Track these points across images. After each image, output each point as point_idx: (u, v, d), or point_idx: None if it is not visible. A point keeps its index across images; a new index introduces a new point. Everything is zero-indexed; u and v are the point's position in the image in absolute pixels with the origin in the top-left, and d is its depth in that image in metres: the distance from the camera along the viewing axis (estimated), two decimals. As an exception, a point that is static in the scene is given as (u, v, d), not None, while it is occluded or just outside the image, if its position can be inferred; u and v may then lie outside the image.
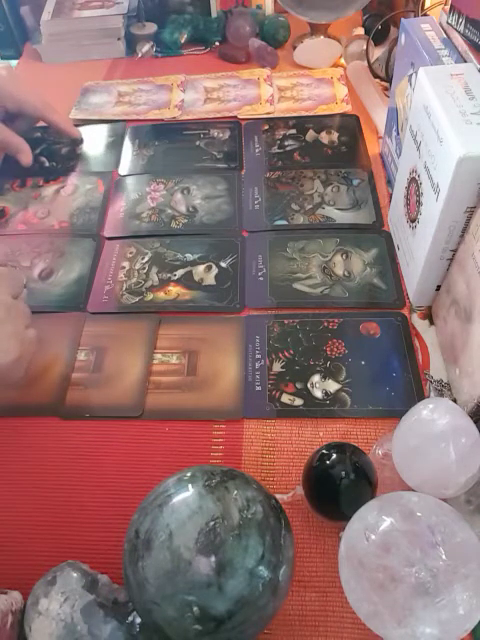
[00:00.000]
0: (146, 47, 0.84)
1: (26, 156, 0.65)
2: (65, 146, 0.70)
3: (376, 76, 0.74)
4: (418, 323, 0.51)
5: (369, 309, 0.52)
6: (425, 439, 0.35)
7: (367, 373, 0.47)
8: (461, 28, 0.49)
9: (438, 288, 0.49)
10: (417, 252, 0.48)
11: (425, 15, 0.61)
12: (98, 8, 0.84)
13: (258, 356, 0.48)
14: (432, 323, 0.50)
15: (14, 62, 0.86)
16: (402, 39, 0.55)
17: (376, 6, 0.82)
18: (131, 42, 0.85)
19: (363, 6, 0.76)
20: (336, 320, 0.50)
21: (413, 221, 0.49)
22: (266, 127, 0.71)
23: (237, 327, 0.50)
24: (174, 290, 0.54)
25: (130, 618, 0.32)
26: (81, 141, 0.71)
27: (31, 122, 0.69)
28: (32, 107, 0.66)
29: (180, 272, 0.55)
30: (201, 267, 0.56)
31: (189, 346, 0.49)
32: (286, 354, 0.48)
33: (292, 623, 0.36)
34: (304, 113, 0.72)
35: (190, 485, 0.31)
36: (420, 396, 0.45)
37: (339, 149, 0.67)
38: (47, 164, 0.68)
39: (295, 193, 0.62)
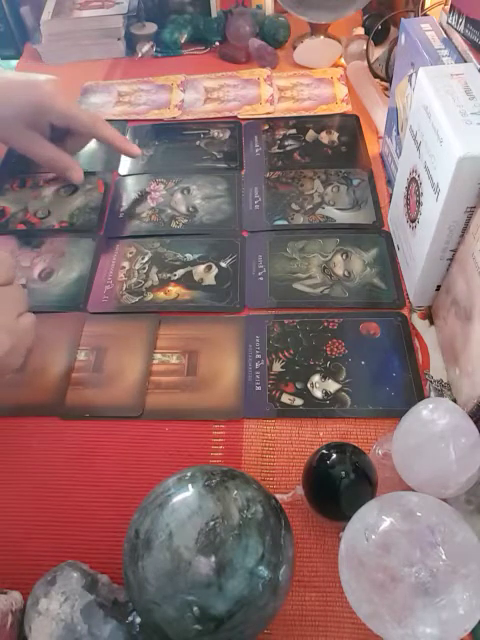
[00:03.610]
0: (146, 47, 0.84)
1: (77, 173, 0.61)
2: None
3: (376, 76, 0.74)
4: (418, 323, 0.51)
5: (369, 309, 0.51)
6: (425, 439, 0.35)
7: (367, 373, 0.47)
8: (461, 28, 0.49)
9: (438, 288, 0.49)
10: (417, 252, 0.48)
11: (425, 15, 0.61)
12: (98, 8, 0.84)
13: (258, 356, 0.48)
14: (432, 323, 0.50)
15: (14, 62, 0.86)
16: (402, 39, 0.55)
17: (376, 6, 0.82)
18: (131, 42, 0.85)
19: (363, 6, 0.76)
20: (336, 320, 0.50)
21: (413, 221, 0.49)
22: (266, 127, 0.71)
23: (237, 327, 0.50)
24: (174, 290, 0.54)
25: (130, 618, 0.32)
26: (139, 157, 0.65)
27: (83, 141, 0.63)
28: (81, 123, 0.58)
29: (180, 272, 0.55)
30: (201, 267, 0.56)
31: (189, 346, 0.49)
32: (286, 354, 0.48)
33: (292, 623, 0.36)
34: (304, 113, 0.72)
35: (190, 485, 0.31)
36: (420, 396, 0.45)
37: (339, 149, 0.67)
38: None
39: (295, 193, 0.62)
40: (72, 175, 0.61)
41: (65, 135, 0.60)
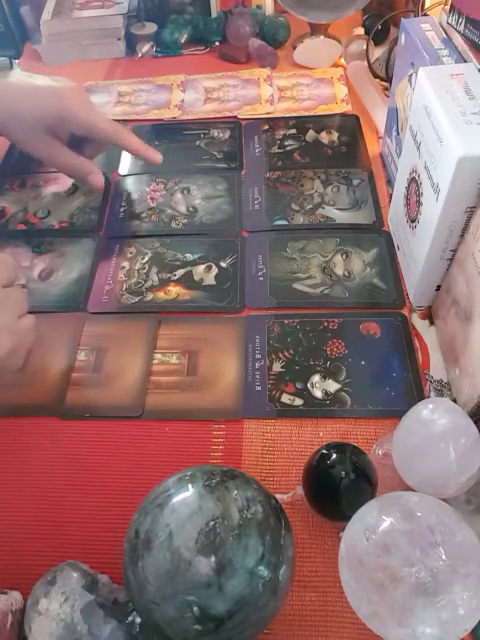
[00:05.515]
0: (146, 47, 0.84)
1: (98, 178, 0.60)
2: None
3: (376, 76, 0.74)
4: (418, 323, 0.51)
5: (369, 309, 0.51)
6: (425, 439, 0.35)
7: (367, 373, 0.47)
8: (461, 28, 0.49)
9: (438, 288, 0.49)
10: (417, 252, 0.48)
11: (425, 15, 0.62)
12: (98, 8, 0.84)
13: (258, 356, 0.48)
14: (432, 323, 0.50)
15: (14, 62, 0.86)
16: (402, 39, 0.55)
17: (376, 6, 0.82)
18: (131, 42, 0.85)
19: (363, 6, 0.76)
20: (336, 320, 0.50)
21: (413, 221, 0.49)
22: (266, 127, 0.71)
23: (237, 327, 0.50)
24: (174, 290, 0.54)
25: (130, 618, 0.32)
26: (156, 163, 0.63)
27: (101, 148, 0.62)
28: (102, 131, 0.58)
29: (180, 272, 0.55)
30: (201, 267, 0.56)
31: (189, 346, 0.49)
32: (286, 354, 0.48)
33: (292, 623, 0.36)
34: (304, 113, 0.72)
35: (190, 485, 0.31)
36: (420, 396, 0.45)
37: (339, 149, 0.67)
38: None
39: (295, 193, 0.62)
40: (94, 181, 0.60)
41: (83, 141, 0.60)
